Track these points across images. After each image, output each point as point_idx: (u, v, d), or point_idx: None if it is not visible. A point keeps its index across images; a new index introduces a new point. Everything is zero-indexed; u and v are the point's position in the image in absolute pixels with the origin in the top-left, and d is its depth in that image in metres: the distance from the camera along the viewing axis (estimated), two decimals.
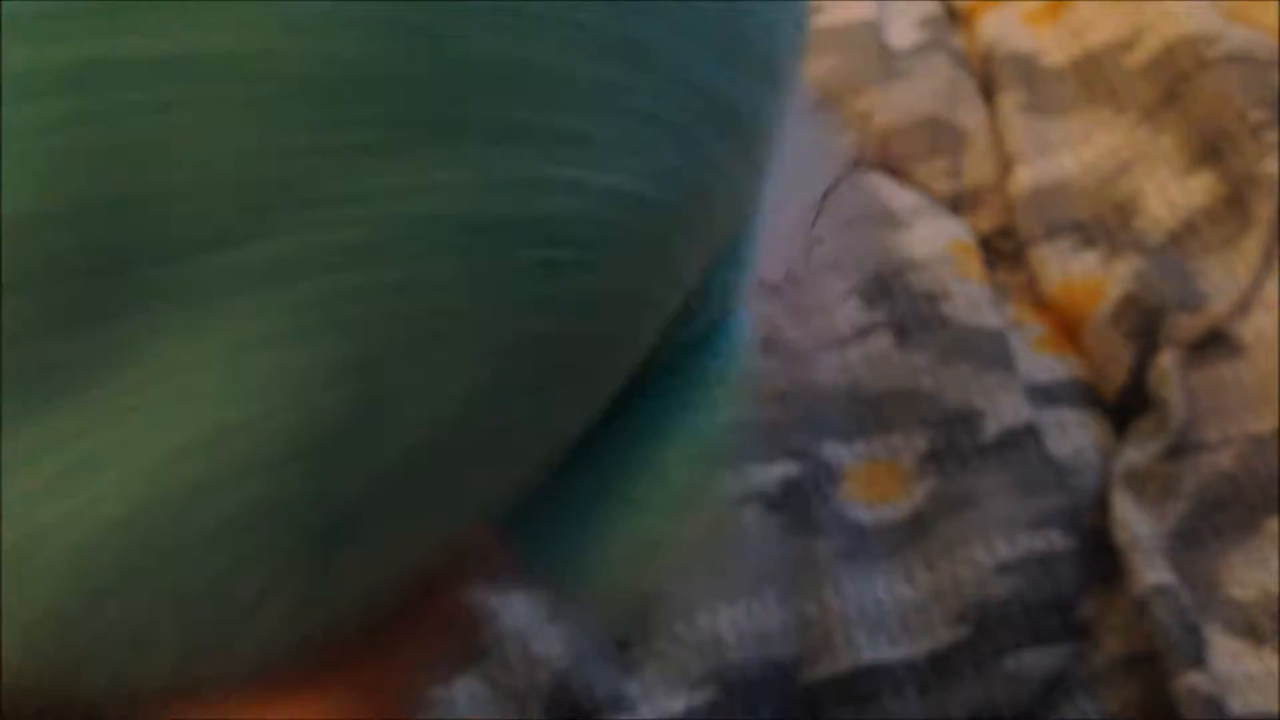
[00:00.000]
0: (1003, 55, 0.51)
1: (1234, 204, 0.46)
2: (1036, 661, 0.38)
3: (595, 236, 0.18)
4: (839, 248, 0.47)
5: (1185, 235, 0.46)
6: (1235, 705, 0.37)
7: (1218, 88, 0.47)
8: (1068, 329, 0.46)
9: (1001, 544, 0.40)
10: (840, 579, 0.39)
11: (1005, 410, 0.42)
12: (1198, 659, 0.37)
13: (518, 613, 0.38)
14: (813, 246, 0.47)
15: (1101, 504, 0.41)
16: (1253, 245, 0.45)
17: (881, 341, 0.44)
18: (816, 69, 0.50)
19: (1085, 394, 0.44)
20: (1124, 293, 0.44)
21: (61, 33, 0.15)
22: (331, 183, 0.16)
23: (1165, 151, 0.47)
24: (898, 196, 0.48)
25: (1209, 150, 0.47)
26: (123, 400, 0.16)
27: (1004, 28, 0.52)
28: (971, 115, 0.50)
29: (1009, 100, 0.50)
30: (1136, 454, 0.41)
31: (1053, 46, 0.51)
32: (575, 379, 0.20)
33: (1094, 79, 0.50)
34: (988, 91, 0.51)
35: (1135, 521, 0.40)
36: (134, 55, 0.15)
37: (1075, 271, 0.46)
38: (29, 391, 0.16)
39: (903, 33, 0.52)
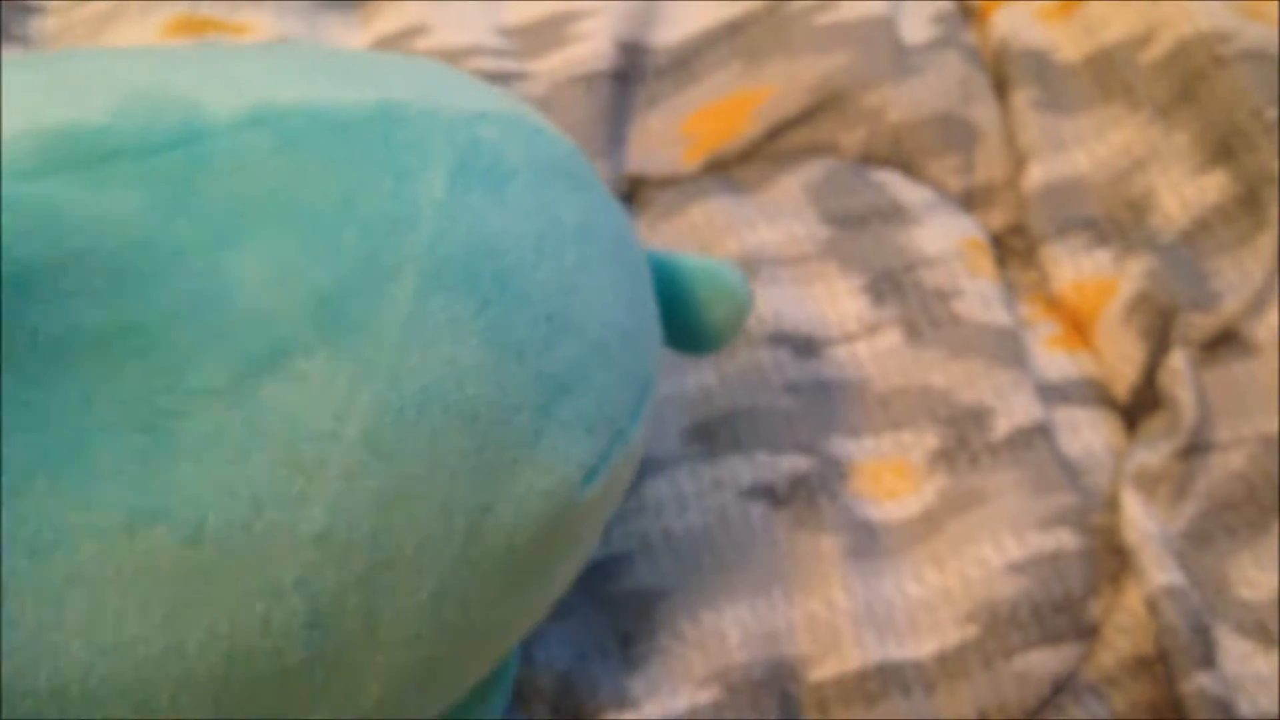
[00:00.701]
0: (1016, 51, 0.50)
1: (1248, 202, 0.45)
2: (1045, 662, 0.38)
3: None
4: (849, 243, 0.47)
5: (1199, 234, 0.46)
6: (1244, 707, 0.37)
7: (1232, 85, 0.46)
8: (1079, 327, 0.46)
9: (1011, 543, 0.39)
10: (848, 577, 0.39)
11: (1016, 408, 0.42)
12: (1207, 660, 0.37)
13: None
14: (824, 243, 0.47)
15: (1112, 503, 0.41)
16: (1267, 244, 0.45)
17: (892, 338, 0.44)
18: (829, 65, 0.50)
19: (1097, 393, 0.44)
20: (1136, 291, 0.44)
21: None
22: None
23: (1179, 149, 0.47)
24: (909, 192, 0.48)
25: (1223, 148, 0.46)
26: None
27: (1017, 24, 0.51)
28: (984, 112, 0.49)
29: (1022, 97, 0.49)
30: (1148, 454, 0.41)
31: (1066, 43, 0.51)
32: None
33: (1108, 76, 0.50)
34: (1001, 88, 0.51)
35: (1145, 521, 0.39)
36: None
37: (1087, 269, 0.46)
38: None
39: (915, 28, 0.52)
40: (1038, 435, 0.42)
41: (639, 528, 0.40)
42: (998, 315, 0.44)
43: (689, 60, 0.52)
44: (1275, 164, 0.45)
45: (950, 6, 0.53)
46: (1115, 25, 0.50)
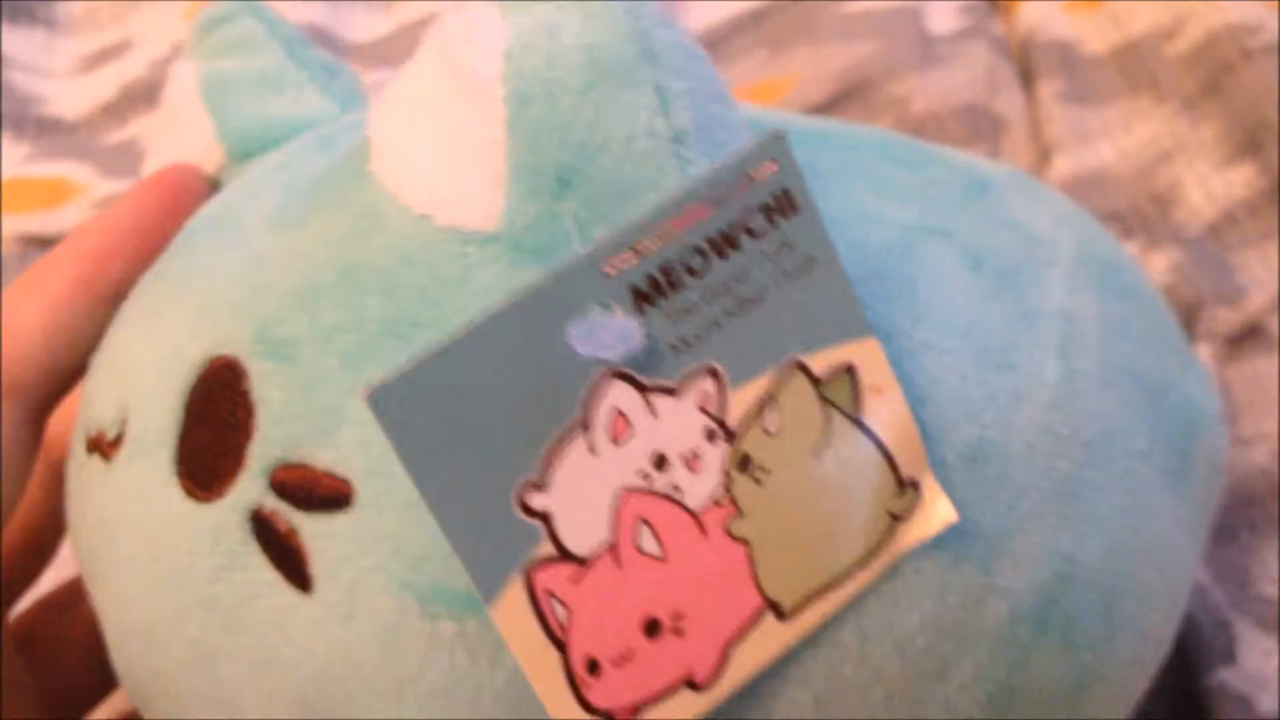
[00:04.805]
0: (1042, 43, 0.50)
1: (1275, 196, 0.45)
2: None
3: None
4: None
5: (1224, 227, 0.46)
6: (1265, 703, 0.37)
7: (1260, 78, 0.46)
8: None
9: None
10: None
11: None
12: (1228, 656, 0.37)
13: None
14: None
15: None
16: None
17: None
18: (855, 54, 0.50)
19: None
20: (1161, 285, 0.44)
21: None
22: None
23: (1205, 142, 0.47)
24: None
25: (1250, 142, 0.46)
26: None
27: (1044, 15, 0.51)
28: (1010, 103, 0.49)
29: (1048, 88, 0.49)
30: None
31: (1093, 34, 0.51)
32: None
33: (1134, 68, 0.49)
34: (1027, 79, 0.50)
35: None
36: None
37: None
38: None
39: (943, 18, 0.51)
40: None
41: None
42: None
43: (713, 48, 0.52)
44: None
45: None
46: (1142, 17, 0.50)
